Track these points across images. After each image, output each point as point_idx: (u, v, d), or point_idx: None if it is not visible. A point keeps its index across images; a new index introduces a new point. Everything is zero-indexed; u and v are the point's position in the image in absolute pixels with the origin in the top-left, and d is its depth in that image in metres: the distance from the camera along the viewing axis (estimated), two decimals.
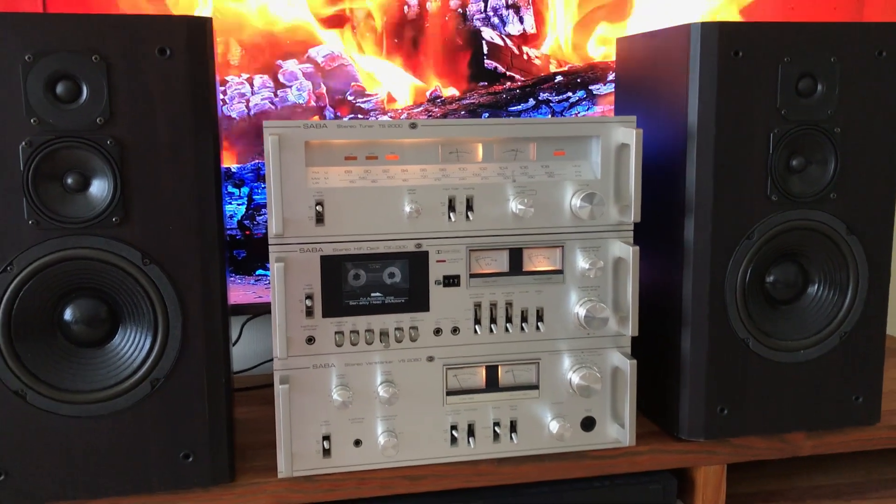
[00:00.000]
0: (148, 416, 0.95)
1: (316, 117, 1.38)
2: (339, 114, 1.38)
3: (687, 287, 1.08)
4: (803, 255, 1.11)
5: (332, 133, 0.97)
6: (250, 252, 1.37)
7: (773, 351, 1.10)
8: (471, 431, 1.05)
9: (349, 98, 1.38)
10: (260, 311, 1.37)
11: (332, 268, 0.99)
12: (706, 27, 1.03)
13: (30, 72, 0.87)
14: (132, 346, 0.95)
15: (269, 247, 0.97)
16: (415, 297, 1.01)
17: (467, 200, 1.01)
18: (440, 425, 1.04)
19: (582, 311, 1.04)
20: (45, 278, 0.91)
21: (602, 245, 1.05)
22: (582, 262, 1.04)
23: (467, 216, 1.01)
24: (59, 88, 0.88)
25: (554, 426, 1.05)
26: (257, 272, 1.38)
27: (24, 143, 0.88)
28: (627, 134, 1.01)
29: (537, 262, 1.04)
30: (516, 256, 1.03)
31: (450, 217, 1.00)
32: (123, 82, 0.89)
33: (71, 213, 0.90)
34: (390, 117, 1.40)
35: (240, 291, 1.37)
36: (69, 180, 0.90)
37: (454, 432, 1.04)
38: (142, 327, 0.94)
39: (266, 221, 1.38)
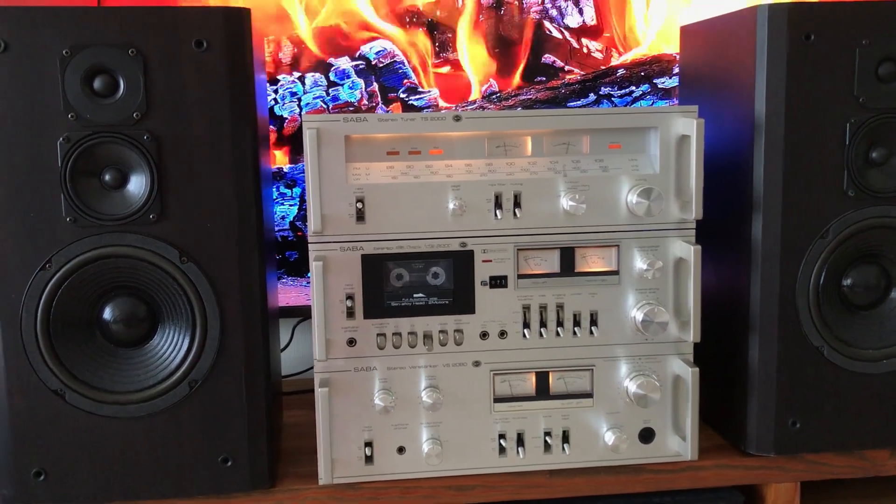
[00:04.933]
0: (186, 419, 0.93)
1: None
2: (390, 112, 1.35)
3: (755, 290, 1.00)
4: (884, 255, 1.02)
5: (373, 127, 0.93)
6: (302, 253, 1.35)
7: (850, 360, 1.01)
8: (520, 441, 0.99)
9: (401, 95, 1.35)
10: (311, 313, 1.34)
11: (374, 267, 0.95)
12: (774, 9, 0.95)
13: (67, 66, 0.86)
14: (170, 346, 0.93)
15: (309, 245, 0.94)
16: (459, 299, 0.96)
17: (515, 197, 0.95)
18: (488, 434, 0.99)
19: (639, 315, 0.97)
20: (83, 276, 0.89)
21: (661, 244, 0.98)
22: (639, 263, 0.97)
23: (515, 213, 0.95)
24: (97, 83, 0.87)
25: (609, 437, 0.99)
26: (309, 274, 1.36)
27: (62, 138, 0.87)
28: (688, 125, 0.95)
29: (591, 262, 0.98)
30: (568, 256, 0.97)
31: (496, 214, 0.95)
32: (160, 76, 0.87)
33: (108, 210, 0.89)
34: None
35: (292, 293, 1.35)
36: (107, 176, 0.89)
37: (502, 441, 0.99)
38: (180, 327, 0.92)
39: None
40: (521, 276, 0.97)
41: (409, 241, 0.95)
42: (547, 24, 1.36)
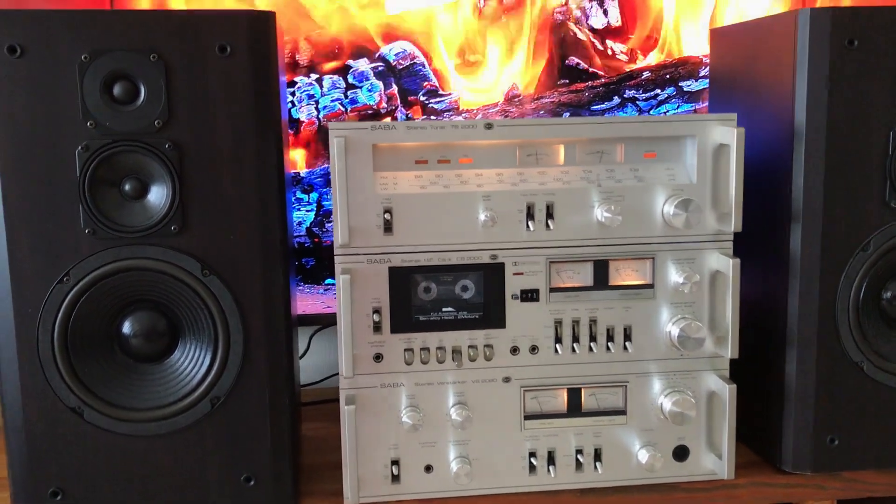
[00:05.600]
0: (207, 436, 0.89)
1: (388, 119, 1.31)
2: (410, 115, 1.31)
3: (793, 304, 0.97)
4: None
5: (402, 135, 0.90)
6: (319, 260, 1.32)
7: (891, 376, 0.98)
8: (551, 459, 0.96)
9: (421, 98, 1.32)
10: (329, 321, 1.31)
11: (402, 280, 0.92)
12: (816, 14, 0.92)
13: (86, 72, 0.82)
14: (191, 361, 0.89)
15: (335, 257, 0.90)
16: (490, 313, 0.93)
17: (547, 207, 0.92)
18: (518, 452, 0.96)
19: (675, 330, 0.94)
20: (102, 290, 0.86)
21: (697, 257, 0.95)
22: (675, 276, 0.94)
23: (547, 224, 0.92)
24: (117, 89, 0.84)
25: (643, 455, 0.96)
26: (326, 281, 1.33)
27: (80, 147, 0.83)
28: (727, 133, 0.91)
29: (625, 275, 0.95)
30: (601, 269, 0.94)
31: (528, 226, 0.92)
32: (182, 82, 0.84)
33: (128, 222, 0.86)
34: (464, 118, 1.33)
35: (308, 301, 1.32)
36: (126, 186, 0.86)
37: (533, 460, 0.96)
38: (201, 342, 0.89)
39: None
40: (553, 290, 0.94)
41: (438, 254, 0.92)
42: (571, 25, 1.33)
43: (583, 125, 0.93)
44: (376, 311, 0.92)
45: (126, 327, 0.89)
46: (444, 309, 0.93)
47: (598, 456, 0.97)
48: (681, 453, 0.98)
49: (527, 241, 0.93)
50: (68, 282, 0.85)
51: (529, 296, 0.93)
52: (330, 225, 1.32)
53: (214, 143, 0.85)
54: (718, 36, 1.15)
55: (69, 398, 0.87)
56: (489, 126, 0.91)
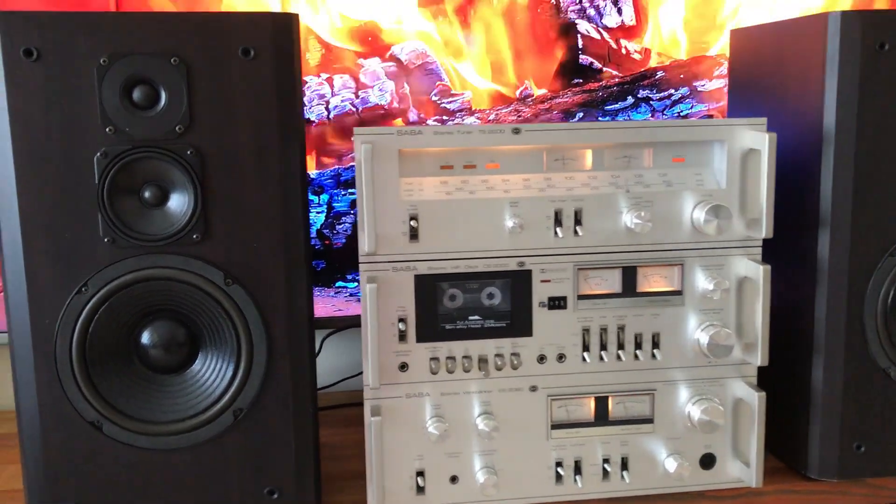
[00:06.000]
0: (230, 449, 0.87)
1: (399, 120, 1.29)
2: (422, 115, 1.29)
3: (820, 309, 0.96)
4: None
5: (428, 140, 0.88)
6: (329, 263, 1.30)
7: None
8: (577, 468, 0.95)
9: (433, 98, 1.29)
10: (340, 325, 1.29)
11: (427, 288, 0.90)
12: (847, 17, 0.91)
13: (105, 76, 0.80)
14: (213, 372, 0.87)
15: (360, 265, 0.88)
16: (516, 321, 0.91)
17: (575, 213, 0.90)
18: (544, 461, 0.94)
19: (704, 338, 0.93)
20: (121, 300, 0.84)
21: (725, 263, 0.93)
22: (704, 283, 0.93)
23: (575, 231, 0.90)
24: (136, 94, 0.81)
25: (671, 464, 0.94)
26: (337, 284, 1.31)
27: (99, 153, 0.81)
28: (758, 138, 0.90)
29: (653, 281, 0.93)
30: (630, 276, 0.92)
31: (556, 232, 0.90)
32: (204, 86, 0.81)
33: (149, 230, 0.83)
34: (477, 118, 1.31)
35: (318, 304, 1.30)
36: (146, 194, 0.83)
37: (559, 469, 0.94)
38: (223, 353, 0.87)
39: (346, 231, 1.30)
40: (580, 297, 0.92)
41: (464, 261, 0.90)
42: (585, 23, 1.31)
43: (612, 129, 0.91)
44: (402, 319, 0.90)
45: (145, 338, 0.87)
46: (470, 317, 0.91)
47: (624, 465, 0.95)
48: (707, 461, 0.97)
49: (554, 247, 0.91)
50: (86, 292, 0.83)
51: (557, 303, 0.92)
52: (340, 227, 1.30)
53: (237, 149, 0.83)
54: (739, 37, 1.13)
55: (88, 411, 0.84)
56: (517, 131, 0.89)
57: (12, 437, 1.17)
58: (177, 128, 0.81)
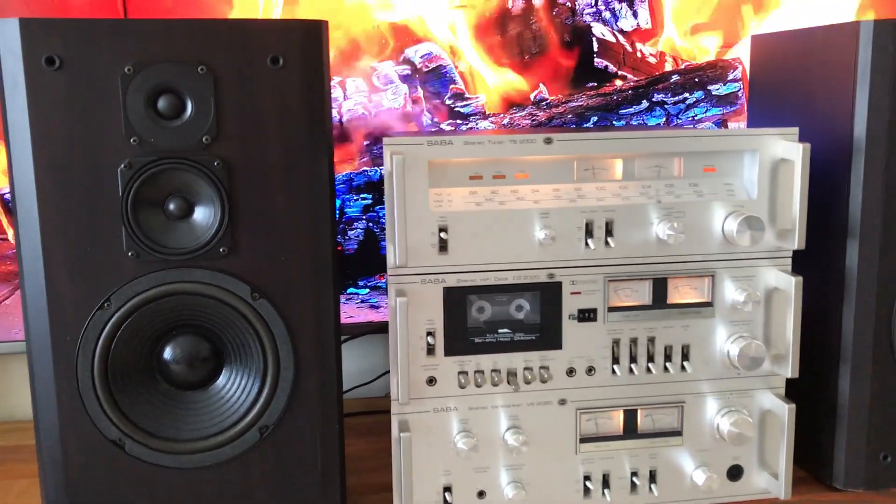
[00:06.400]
0: (255, 467, 0.85)
1: (412, 124, 1.27)
2: (436, 119, 1.27)
3: (847, 320, 0.95)
4: None
5: (459, 150, 0.86)
6: (341, 269, 1.27)
7: None
8: (605, 482, 0.93)
9: (447, 102, 1.27)
10: (352, 332, 1.27)
11: (457, 301, 0.88)
12: (880, 26, 0.90)
13: (129, 85, 0.77)
14: (238, 389, 0.85)
15: (388, 278, 0.86)
16: (546, 334, 0.90)
17: (606, 224, 0.89)
18: (572, 475, 0.93)
19: (734, 349, 0.91)
20: (145, 315, 0.81)
21: (755, 274, 0.92)
22: (734, 294, 0.91)
23: (607, 242, 0.89)
24: (162, 103, 0.78)
25: (699, 476, 0.93)
26: (348, 290, 1.29)
27: (123, 165, 0.78)
28: (791, 148, 0.89)
29: (683, 292, 0.92)
30: (660, 287, 0.91)
31: (587, 243, 0.89)
32: (232, 96, 0.79)
33: (173, 243, 0.81)
34: (491, 122, 1.29)
35: None
36: (171, 206, 0.80)
37: (588, 483, 0.93)
38: (249, 368, 0.85)
39: (358, 237, 1.28)
40: (611, 309, 0.91)
41: (494, 273, 0.88)
42: (600, 26, 1.29)
43: (644, 139, 0.89)
44: (430, 333, 0.88)
45: (168, 353, 0.84)
46: (500, 330, 0.89)
47: (652, 477, 0.94)
48: (735, 473, 0.96)
49: (584, 258, 0.89)
50: (109, 308, 0.80)
51: (587, 315, 0.90)
52: (352, 232, 1.28)
53: (265, 160, 0.81)
54: (761, 43, 1.12)
55: (110, 430, 0.82)
56: (549, 141, 0.87)
57: (21, 450, 1.15)
58: (203, 139, 0.79)
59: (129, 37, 0.76)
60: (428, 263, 0.87)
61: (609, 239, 0.89)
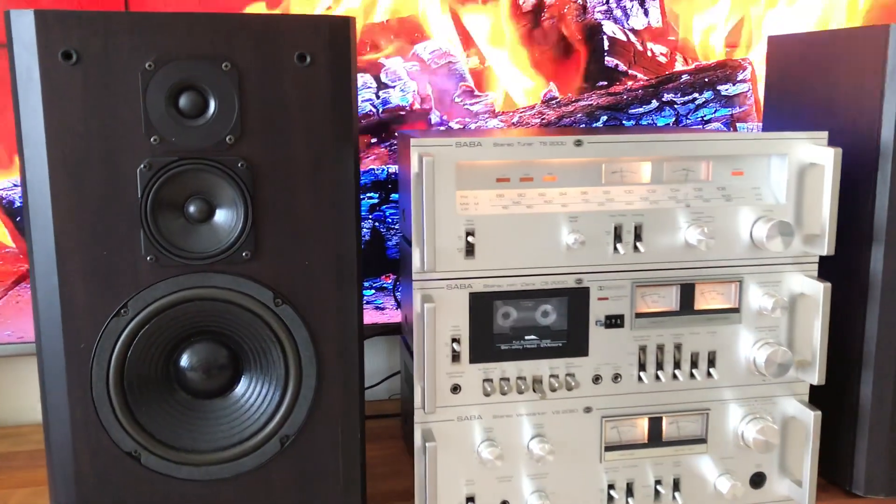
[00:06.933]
0: (276, 479, 0.82)
1: (422, 122, 1.24)
2: (445, 117, 1.24)
3: (871, 325, 0.94)
4: None
5: (488, 152, 0.83)
6: None
7: None
8: (629, 491, 0.92)
9: (457, 100, 1.25)
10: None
11: (483, 307, 0.85)
12: None
13: (150, 81, 0.74)
14: (258, 398, 0.82)
15: (413, 283, 0.84)
16: (573, 340, 0.88)
17: (635, 229, 0.87)
18: (596, 484, 0.91)
19: (760, 356, 0.90)
20: (162, 322, 0.78)
21: (781, 279, 0.91)
22: (760, 300, 0.90)
23: (636, 247, 0.87)
24: (183, 101, 0.75)
25: (723, 484, 0.92)
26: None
27: (142, 165, 0.75)
28: (822, 153, 0.87)
29: (709, 298, 0.90)
30: (688, 293, 0.90)
31: (616, 248, 0.87)
32: (257, 94, 0.76)
33: (194, 247, 0.77)
34: (501, 121, 1.26)
35: None
36: (191, 208, 0.77)
37: (612, 492, 0.91)
38: (269, 376, 0.81)
39: (364, 236, 1.25)
40: (638, 315, 0.89)
41: (520, 278, 0.86)
42: (611, 24, 1.27)
43: (675, 142, 0.87)
44: (455, 339, 0.85)
45: (185, 361, 0.81)
46: (526, 337, 0.87)
47: (676, 486, 0.93)
48: (758, 480, 0.95)
49: (612, 263, 0.88)
50: (126, 314, 0.77)
51: (614, 322, 0.88)
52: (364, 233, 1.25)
53: (290, 161, 0.77)
54: (778, 44, 1.11)
55: (125, 442, 0.79)
56: (579, 143, 0.85)
57: (15, 457, 1.11)
58: (227, 138, 0.76)
59: (151, 30, 0.73)
60: (454, 268, 0.84)
61: (638, 243, 0.87)
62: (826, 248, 0.89)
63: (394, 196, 1.24)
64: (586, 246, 0.86)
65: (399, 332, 1.09)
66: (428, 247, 0.81)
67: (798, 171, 0.90)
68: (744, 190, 0.90)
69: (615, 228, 0.87)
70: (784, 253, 0.90)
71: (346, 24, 0.78)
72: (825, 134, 0.90)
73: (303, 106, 0.77)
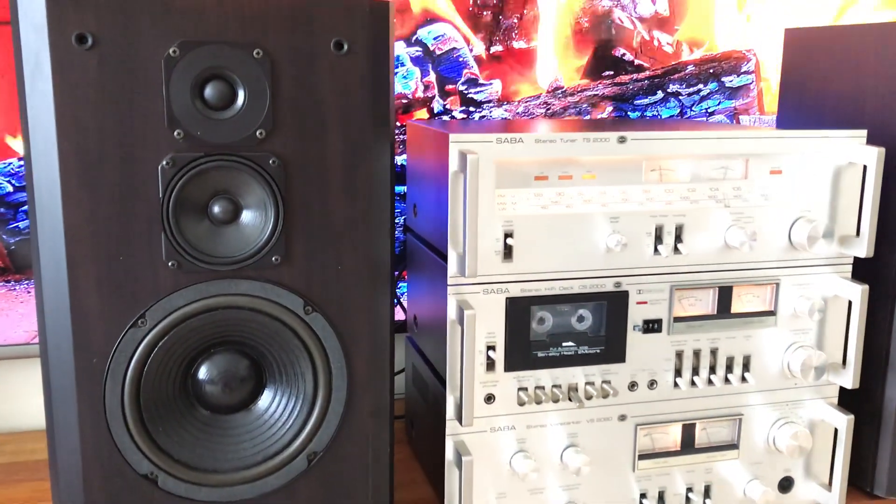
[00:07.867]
0: (302, 497, 0.77)
1: (424, 110, 1.18)
2: (447, 105, 1.19)
3: None
4: None
5: (529, 150, 0.79)
6: None
7: None
8: (661, 499, 0.89)
9: (461, 88, 1.19)
10: None
11: (519, 312, 0.81)
12: None
13: (174, 69, 0.66)
14: (283, 412, 0.76)
15: (448, 288, 0.79)
16: (611, 346, 0.84)
17: (676, 230, 0.84)
18: (628, 494, 0.88)
19: (795, 360, 0.88)
20: (182, 332, 0.71)
21: (815, 281, 0.89)
22: (796, 302, 0.88)
23: (677, 248, 0.84)
24: (210, 91, 0.68)
25: (754, 490, 0.90)
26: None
27: (164, 161, 0.68)
28: (866, 153, 0.85)
29: (745, 301, 0.88)
30: (725, 296, 0.87)
31: (656, 249, 0.83)
32: (290, 85, 0.69)
33: (219, 252, 0.71)
34: (506, 110, 1.21)
35: None
36: (216, 209, 0.70)
37: (644, 501, 0.88)
38: (296, 389, 0.76)
39: None
40: (676, 320, 0.85)
41: (559, 282, 0.82)
42: (619, 12, 1.23)
43: (718, 139, 0.84)
44: (490, 347, 0.81)
45: (204, 373, 0.74)
46: (564, 343, 0.83)
47: (707, 493, 0.90)
48: (786, 485, 0.93)
49: (651, 266, 0.84)
50: (144, 325, 0.70)
51: (652, 326, 0.85)
52: None
53: (325, 158, 0.71)
54: (796, 37, 1.08)
55: (141, 463, 0.72)
56: (623, 140, 0.81)
57: (18, 469, 1.02)
58: (257, 133, 0.69)
59: (175, 13, 0.66)
60: (490, 272, 0.80)
61: (679, 245, 0.84)
62: (865, 249, 0.86)
63: (398, 189, 1.18)
64: (626, 247, 0.82)
65: (404, 331, 1.04)
66: (469, 251, 0.76)
67: (834, 170, 0.87)
68: (782, 190, 0.87)
69: (656, 229, 0.83)
70: (819, 254, 0.88)
71: (385, 7, 0.72)
72: (864, 132, 0.87)
73: (339, 97, 0.70)
